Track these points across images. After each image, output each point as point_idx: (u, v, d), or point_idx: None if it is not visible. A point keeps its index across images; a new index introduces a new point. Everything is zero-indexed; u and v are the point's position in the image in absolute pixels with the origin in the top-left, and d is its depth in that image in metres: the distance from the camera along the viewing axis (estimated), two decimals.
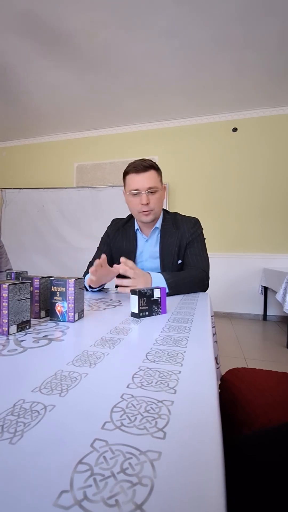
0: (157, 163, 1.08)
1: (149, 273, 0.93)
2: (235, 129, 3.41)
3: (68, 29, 2.14)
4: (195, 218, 1.19)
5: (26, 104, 3.24)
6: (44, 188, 3.90)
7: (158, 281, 0.93)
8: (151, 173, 1.03)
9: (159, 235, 1.15)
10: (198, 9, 1.96)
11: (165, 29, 2.14)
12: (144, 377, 0.34)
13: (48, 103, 3.21)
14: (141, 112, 3.39)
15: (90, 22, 2.08)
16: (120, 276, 0.95)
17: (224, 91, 2.95)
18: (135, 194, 1.05)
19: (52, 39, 2.25)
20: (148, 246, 1.17)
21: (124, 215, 1.29)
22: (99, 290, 1.09)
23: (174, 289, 0.95)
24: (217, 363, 0.92)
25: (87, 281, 0.95)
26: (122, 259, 0.90)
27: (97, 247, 1.28)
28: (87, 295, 0.98)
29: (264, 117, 3.32)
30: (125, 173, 1.08)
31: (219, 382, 0.71)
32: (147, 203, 1.03)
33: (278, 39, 2.24)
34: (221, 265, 3.35)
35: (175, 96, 3.05)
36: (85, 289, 1.03)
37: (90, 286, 1.03)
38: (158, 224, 1.15)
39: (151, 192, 1.04)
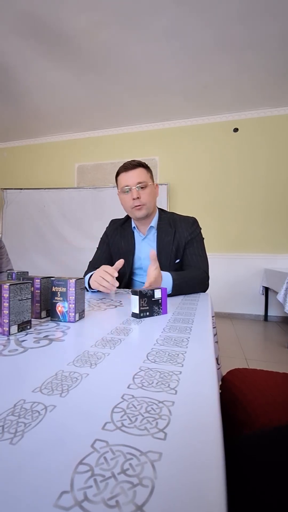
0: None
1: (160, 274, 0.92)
2: (236, 130, 3.40)
3: (68, 29, 2.15)
4: (193, 217, 1.19)
5: (26, 104, 3.24)
6: (45, 189, 3.90)
7: (166, 280, 0.93)
8: (140, 170, 1.08)
9: (155, 234, 1.15)
10: (198, 9, 1.96)
11: (166, 29, 2.14)
12: (144, 378, 0.34)
13: (48, 103, 3.22)
14: (142, 112, 3.39)
15: (90, 22, 2.08)
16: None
17: (224, 91, 2.95)
18: (126, 192, 1.08)
19: (53, 40, 2.26)
20: (145, 244, 1.17)
21: (125, 215, 1.29)
22: (100, 291, 1.09)
23: (178, 289, 0.95)
24: (218, 363, 0.92)
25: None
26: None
27: (97, 247, 1.28)
28: (88, 296, 0.98)
29: (265, 118, 3.32)
30: (117, 175, 1.13)
31: (220, 383, 0.71)
32: (138, 197, 1.06)
33: (278, 40, 2.24)
34: (221, 266, 3.34)
35: (176, 96, 3.05)
36: (85, 290, 1.04)
37: (89, 286, 1.03)
38: (154, 223, 1.15)
39: (141, 187, 1.06)
